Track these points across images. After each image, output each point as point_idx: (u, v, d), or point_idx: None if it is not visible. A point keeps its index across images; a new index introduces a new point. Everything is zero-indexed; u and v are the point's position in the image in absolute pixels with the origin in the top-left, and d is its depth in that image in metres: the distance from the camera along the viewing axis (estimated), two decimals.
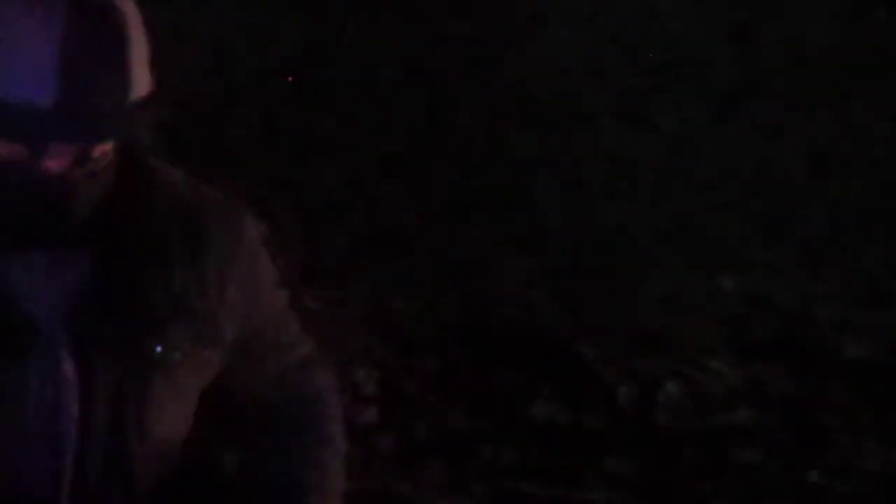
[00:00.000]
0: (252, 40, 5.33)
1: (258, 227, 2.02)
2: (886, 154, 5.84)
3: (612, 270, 5.08)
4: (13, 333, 1.84)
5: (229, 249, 1.96)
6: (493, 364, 4.59)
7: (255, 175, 5.04)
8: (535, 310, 4.89)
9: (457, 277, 5.01)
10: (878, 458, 4.33)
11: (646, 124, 5.82)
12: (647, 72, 6.03)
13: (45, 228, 1.82)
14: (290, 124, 5.14)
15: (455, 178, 5.33)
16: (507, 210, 5.32)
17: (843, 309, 4.94)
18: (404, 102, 5.23)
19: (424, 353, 4.63)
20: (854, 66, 6.21)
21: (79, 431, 1.87)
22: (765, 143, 5.85)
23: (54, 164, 1.77)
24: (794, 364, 4.67)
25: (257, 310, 2.02)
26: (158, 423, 1.92)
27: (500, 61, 5.63)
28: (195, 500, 2.05)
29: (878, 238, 5.34)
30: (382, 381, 4.35)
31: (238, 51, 5.32)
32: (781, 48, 6.36)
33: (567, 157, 5.56)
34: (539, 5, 6.08)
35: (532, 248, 5.17)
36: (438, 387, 4.50)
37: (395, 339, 4.59)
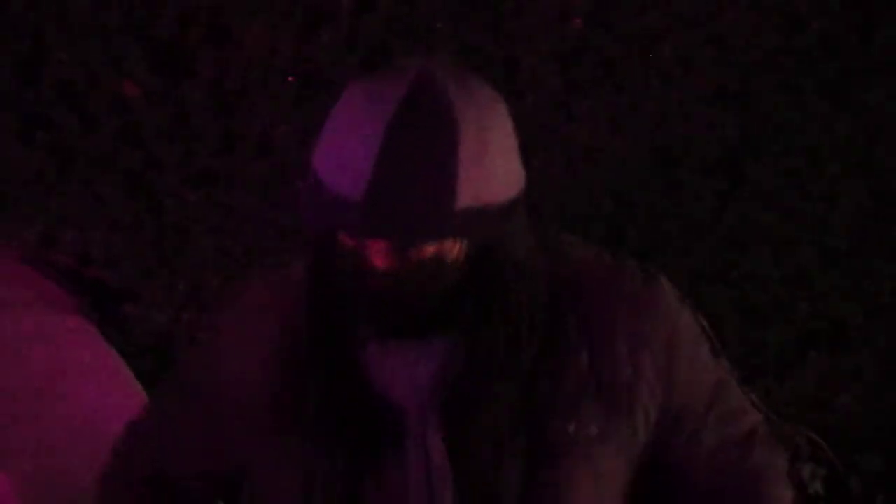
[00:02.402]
0: (692, 132, 5.37)
1: (674, 299, 1.96)
2: None
3: None
4: (389, 419, 1.86)
5: (634, 325, 1.90)
6: None
7: (695, 268, 5.06)
8: None
9: None
10: None
11: None
12: None
13: (391, 319, 1.82)
14: (731, 217, 5.13)
15: None
16: None
17: None
18: (848, 194, 5.15)
19: (870, 450, 4.52)
20: None
21: None
22: None
23: (379, 260, 1.77)
24: None
25: (681, 383, 1.94)
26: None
27: None
28: None
29: None
30: (828, 480, 4.27)
31: (676, 144, 5.36)
32: None
33: None
34: None
35: None
36: (885, 487, 4.39)
37: (840, 437, 4.49)
